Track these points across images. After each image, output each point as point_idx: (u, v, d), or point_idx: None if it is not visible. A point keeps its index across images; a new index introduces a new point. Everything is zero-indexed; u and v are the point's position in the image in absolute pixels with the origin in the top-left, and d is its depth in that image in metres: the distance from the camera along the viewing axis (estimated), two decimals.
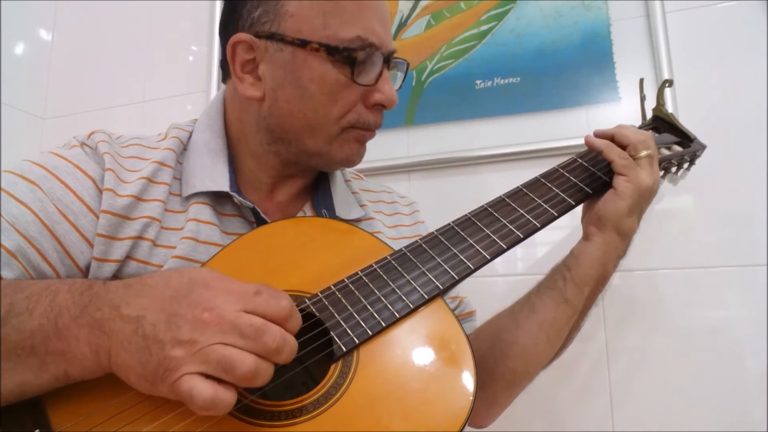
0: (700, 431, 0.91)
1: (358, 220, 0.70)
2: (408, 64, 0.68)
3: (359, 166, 0.69)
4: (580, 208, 0.67)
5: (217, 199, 0.63)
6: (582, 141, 0.99)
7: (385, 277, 0.54)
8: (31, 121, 1.47)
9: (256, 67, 0.62)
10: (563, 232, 1.00)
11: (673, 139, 0.76)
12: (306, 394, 0.47)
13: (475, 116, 1.13)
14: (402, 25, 1.22)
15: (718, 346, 0.93)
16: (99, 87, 1.47)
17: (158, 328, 0.40)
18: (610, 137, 0.66)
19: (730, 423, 0.90)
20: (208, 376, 0.39)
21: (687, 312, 0.96)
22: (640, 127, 0.76)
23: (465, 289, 0.75)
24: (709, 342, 0.93)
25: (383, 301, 0.52)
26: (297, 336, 0.44)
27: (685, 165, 0.77)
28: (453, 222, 0.60)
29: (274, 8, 0.60)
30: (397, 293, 0.53)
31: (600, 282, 0.65)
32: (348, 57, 0.59)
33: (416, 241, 0.58)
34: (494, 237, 0.58)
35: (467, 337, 0.51)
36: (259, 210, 0.62)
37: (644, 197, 0.62)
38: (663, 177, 0.76)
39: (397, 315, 0.51)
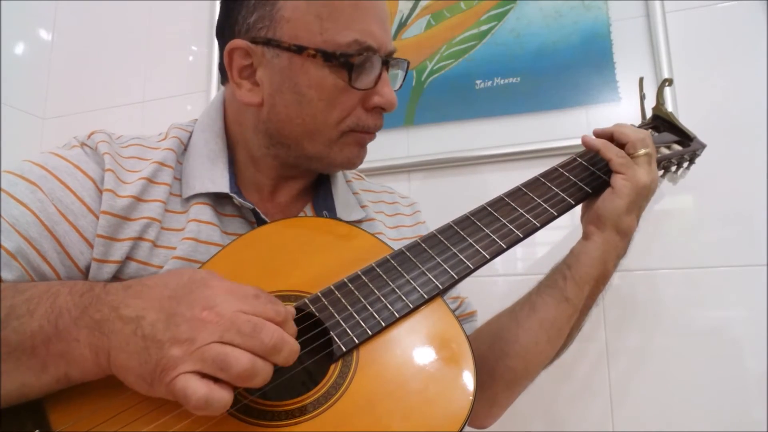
0: (700, 431, 0.91)
1: (359, 221, 0.70)
2: (408, 63, 0.68)
3: (359, 167, 0.69)
4: (579, 208, 0.67)
5: (217, 199, 0.63)
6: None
7: (385, 277, 0.54)
8: (31, 121, 1.47)
9: (253, 73, 0.62)
10: (563, 232, 1.00)
11: (672, 138, 0.76)
12: (306, 394, 0.47)
13: (475, 116, 1.13)
14: (402, 25, 1.22)
15: (718, 346, 0.93)
16: (99, 87, 1.47)
17: (157, 328, 0.40)
18: (609, 136, 0.67)
19: (730, 423, 0.90)
20: (205, 376, 0.39)
21: (687, 312, 0.96)
22: (639, 127, 0.76)
23: (465, 289, 0.75)
24: (709, 342, 0.93)
25: (383, 301, 0.52)
26: (297, 336, 0.44)
27: (685, 164, 0.77)
28: (453, 221, 0.60)
29: (269, 13, 0.59)
30: (397, 293, 0.53)
31: (600, 281, 0.65)
32: (345, 62, 0.58)
33: (416, 241, 0.58)
34: (494, 237, 0.58)
35: (467, 336, 0.51)
36: (259, 211, 0.62)
37: (642, 195, 0.63)
38: (663, 176, 0.76)
39: (396, 315, 0.51)
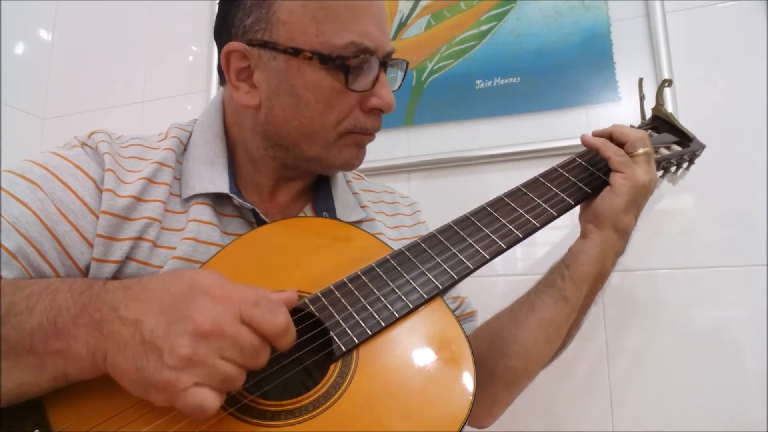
0: (700, 431, 0.91)
1: (359, 222, 0.70)
2: (407, 64, 0.68)
3: (359, 167, 0.69)
4: (578, 207, 0.67)
5: (217, 199, 0.63)
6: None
7: (385, 277, 0.54)
8: (31, 121, 1.47)
9: (251, 75, 0.61)
10: (563, 232, 1.00)
11: (672, 139, 0.76)
12: (305, 394, 0.47)
13: (475, 116, 1.13)
14: (402, 25, 1.22)
15: (718, 346, 0.93)
16: (99, 87, 1.47)
17: (156, 334, 0.40)
18: (609, 135, 0.67)
19: (730, 423, 0.90)
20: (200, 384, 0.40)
21: (687, 312, 0.96)
22: (639, 127, 0.76)
23: (465, 289, 0.75)
24: (709, 342, 0.93)
25: (383, 301, 0.52)
26: (296, 336, 0.45)
27: (685, 164, 0.77)
28: (452, 222, 0.60)
29: (265, 16, 0.59)
30: (397, 293, 0.53)
31: (599, 280, 0.65)
32: (341, 64, 0.58)
33: (416, 241, 0.58)
34: (494, 237, 0.58)
35: (467, 336, 0.51)
36: (258, 211, 0.62)
37: (641, 194, 0.63)
38: (662, 177, 0.76)
39: (396, 315, 0.51)
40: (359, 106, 0.62)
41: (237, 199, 0.61)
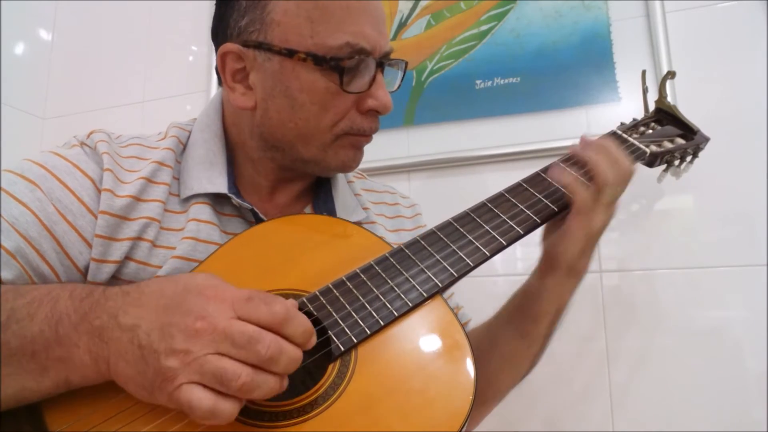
0: (700, 431, 0.91)
1: (359, 223, 0.70)
2: (406, 64, 0.67)
3: (359, 166, 0.69)
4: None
5: (216, 199, 0.63)
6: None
7: (384, 275, 0.54)
8: (31, 121, 1.47)
9: (246, 76, 0.61)
10: None
11: (676, 132, 0.75)
12: (304, 394, 0.46)
13: (475, 116, 1.13)
14: (402, 25, 1.22)
15: (718, 346, 0.93)
16: (99, 87, 1.47)
17: (152, 337, 0.40)
18: (584, 162, 0.61)
19: (730, 423, 0.90)
20: (205, 386, 0.39)
21: (687, 312, 0.96)
22: (642, 120, 0.75)
23: (465, 288, 0.75)
24: (709, 342, 0.93)
25: (382, 300, 0.52)
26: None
27: (688, 158, 0.76)
28: (452, 218, 0.59)
29: (260, 17, 0.58)
30: (396, 291, 0.53)
31: (557, 314, 0.65)
32: (336, 66, 0.57)
33: (415, 239, 0.58)
34: (494, 233, 0.57)
35: (467, 335, 0.51)
36: (257, 211, 0.62)
37: (595, 238, 0.61)
38: (666, 170, 0.75)
39: (395, 313, 0.51)
40: (356, 108, 0.61)
41: (236, 200, 0.61)
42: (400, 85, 0.67)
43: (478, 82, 1.14)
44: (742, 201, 0.95)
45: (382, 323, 0.50)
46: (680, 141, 0.74)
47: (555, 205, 0.60)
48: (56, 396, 0.44)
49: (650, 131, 0.74)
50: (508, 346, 0.66)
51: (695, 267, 0.96)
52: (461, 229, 0.58)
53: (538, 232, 0.61)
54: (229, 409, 0.39)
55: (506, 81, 1.12)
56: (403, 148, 1.17)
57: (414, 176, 1.17)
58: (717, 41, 1.00)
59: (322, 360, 0.49)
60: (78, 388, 0.44)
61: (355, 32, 0.58)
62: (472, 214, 0.59)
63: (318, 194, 0.70)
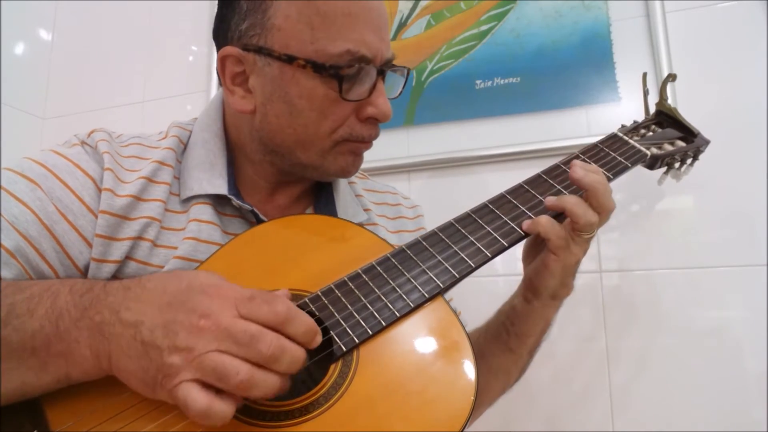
0: (700, 431, 0.91)
1: (361, 225, 0.70)
2: (409, 71, 0.66)
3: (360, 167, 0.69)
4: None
5: (217, 199, 0.62)
6: (582, 141, 1.00)
7: (386, 276, 0.54)
8: (31, 121, 1.47)
9: (246, 80, 0.61)
10: None
11: (676, 134, 0.75)
12: (306, 394, 0.46)
13: (475, 116, 1.13)
14: (402, 25, 1.22)
15: (718, 346, 0.93)
16: (99, 87, 1.47)
17: (156, 334, 0.40)
18: (561, 209, 0.58)
19: (730, 423, 0.90)
20: (206, 385, 0.39)
21: (687, 312, 0.96)
22: (642, 122, 0.75)
23: (465, 288, 0.75)
24: (709, 342, 0.93)
25: (383, 300, 0.52)
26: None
27: (689, 160, 0.76)
28: (453, 219, 0.59)
29: (261, 21, 0.58)
30: (398, 292, 0.53)
31: (544, 330, 0.67)
32: (335, 74, 0.57)
33: (417, 239, 0.58)
34: (495, 235, 0.58)
35: (468, 336, 0.51)
36: (258, 212, 0.62)
37: (573, 269, 0.61)
38: (666, 173, 0.76)
39: (397, 314, 0.51)
40: (355, 115, 0.61)
41: (236, 201, 0.61)
42: (401, 92, 0.66)
43: (478, 82, 1.14)
44: (742, 201, 0.95)
45: (383, 324, 0.50)
46: (681, 144, 0.74)
47: None
48: (59, 394, 0.44)
49: (651, 134, 0.74)
50: (496, 359, 0.67)
51: (695, 267, 0.96)
52: (462, 231, 0.58)
53: None
54: (223, 410, 0.39)
55: (506, 81, 1.12)
56: (403, 148, 1.17)
57: (414, 176, 1.17)
58: (717, 41, 1.00)
59: (323, 360, 0.49)
60: (79, 385, 0.44)
61: (356, 39, 0.57)
62: (474, 215, 0.60)
63: (319, 196, 0.70)
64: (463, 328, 0.51)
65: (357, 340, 0.49)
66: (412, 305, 0.52)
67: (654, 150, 0.70)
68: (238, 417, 0.45)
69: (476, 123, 1.13)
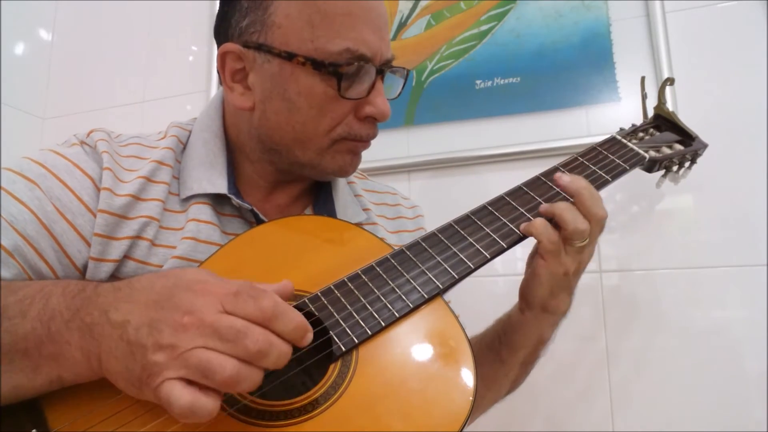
0: (700, 431, 0.91)
1: (360, 225, 0.70)
2: (408, 72, 0.66)
3: (360, 166, 0.69)
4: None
5: (216, 199, 0.63)
6: (582, 141, 1.00)
7: (385, 277, 0.54)
8: (31, 121, 1.47)
9: (245, 77, 0.61)
10: None
11: (674, 138, 0.76)
12: (305, 394, 0.46)
13: (475, 116, 1.13)
14: (402, 25, 1.22)
15: (718, 346, 0.93)
16: (99, 87, 1.47)
17: (141, 333, 0.40)
18: (551, 215, 0.58)
19: (730, 423, 0.90)
20: (190, 382, 0.39)
21: (687, 312, 0.96)
22: (641, 126, 0.76)
23: (464, 289, 0.75)
24: (709, 342, 0.93)
25: (383, 301, 0.52)
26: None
27: (687, 164, 0.77)
28: (453, 221, 0.60)
29: (261, 18, 0.58)
30: (397, 293, 0.53)
31: (538, 345, 0.66)
32: (334, 71, 0.57)
33: (416, 240, 0.58)
34: (495, 236, 0.58)
35: (467, 336, 0.51)
36: (258, 212, 0.62)
37: (564, 281, 0.60)
38: (664, 176, 0.76)
39: (396, 315, 0.51)
40: (354, 113, 0.61)
41: (236, 200, 0.61)
42: (400, 93, 0.66)
43: (478, 82, 1.14)
44: (742, 201, 0.95)
45: (383, 324, 0.50)
46: (679, 147, 0.75)
47: None
48: (58, 394, 0.44)
49: (649, 137, 0.75)
50: (488, 368, 0.67)
51: (695, 267, 0.96)
52: (462, 232, 0.58)
53: None
54: (208, 405, 0.38)
55: (506, 81, 1.12)
56: (403, 148, 1.17)
57: (414, 176, 1.17)
58: (717, 41, 1.00)
59: (323, 360, 0.49)
60: (76, 386, 0.44)
61: (355, 38, 0.57)
62: (473, 217, 0.60)
63: (318, 195, 0.70)
64: (462, 328, 0.51)
65: (356, 341, 0.49)
66: (411, 306, 0.52)
67: (652, 153, 0.71)
68: (237, 416, 0.45)
69: (476, 123, 1.13)
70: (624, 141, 0.70)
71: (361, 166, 0.69)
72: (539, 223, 0.57)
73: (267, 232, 0.59)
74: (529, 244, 0.61)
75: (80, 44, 1.51)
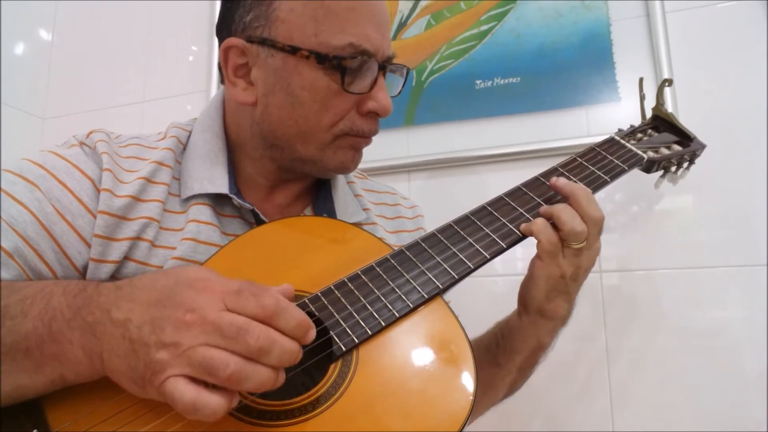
0: (700, 431, 0.91)
1: (359, 225, 0.70)
2: (408, 70, 0.67)
3: (360, 166, 0.69)
4: None
5: (216, 199, 0.63)
6: (582, 141, 1.00)
7: (385, 277, 0.54)
8: (31, 121, 1.47)
9: (248, 72, 0.61)
10: None
11: (672, 139, 0.76)
12: (305, 394, 0.47)
13: (475, 116, 1.13)
14: (402, 25, 1.22)
15: (718, 346, 0.93)
16: (99, 87, 1.47)
17: (143, 331, 0.40)
18: (549, 216, 0.59)
19: (730, 423, 0.90)
20: (195, 380, 0.39)
21: (687, 312, 0.96)
22: (639, 127, 0.76)
23: (464, 289, 0.75)
24: (709, 342, 0.93)
25: (383, 301, 0.52)
26: None
27: (685, 164, 0.77)
28: (452, 221, 0.60)
29: (265, 13, 0.59)
30: (397, 293, 0.53)
31: (536, 351, 0.66)
32: (338, 65, 0.57)
33: (416, 241, 0.58)
34: (494, 236, 0.58)
35: (467, 336, 0.51)
36: (258, 212, 0.62)
37: (561, 284, 0.60)
38: (663, 176, 0.76)
39: (396, 315, 0.51)
40: (356, 109, 0.61)
41: (236, 200, 0.61)
42: (401, 91, 0.67)
43: (478, 82, 1.14)
44: (741, 201, 0.95)
45: (383, 324, 0.50)
46: (677, 147, 0.75)
47: None
48: (58, 394, 0.44)
49: (647, 137, 0.75)
50: (485, 371, 0.67)
51: (695, 267, 0.96)
52: (461, 232, 0.58)
53: None
54: (213, 402, 0.38)
55: (506, 81, 1.12)
56: (403, 148, 1.17)
57: (414, 176, 1.17)
58: (717, 41, 1.00)
59: (323, 360, 0.49)
60: (79, 385, 0.44)
61: (358, 33, 0.58)
62: (472, 217, 0.60)
63: (318, 195, 0.70)
64: (462, 328, 0.52)
65: (356, 341, 0.49)
66: (411, 306, 0.52)
67: (651, 153, 0.72)
68: (238, 416, 0.45)
69: (476, 123, 1.13)
70: (622, 142, 0.70)
71: (361, 166, 0.69)
72: (540, 222, 0.58)
73: (267, 233, 0.59)
74: (529, 244, 0.61)
75: (80, 44, 1.51)
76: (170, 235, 0.59)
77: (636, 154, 0.69)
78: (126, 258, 0.56)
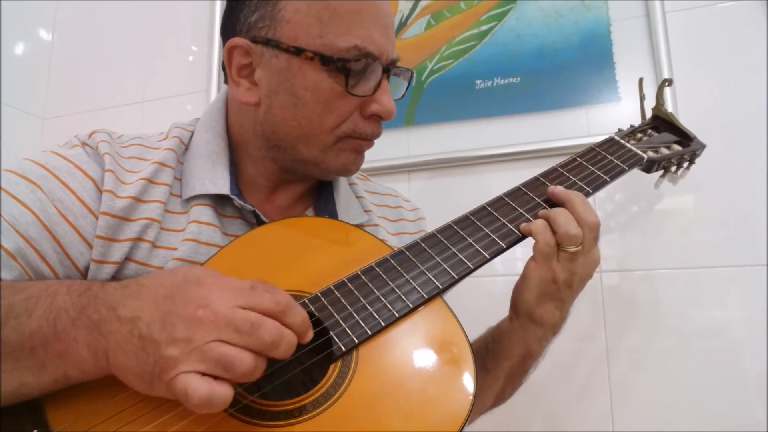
0: (700, 431, 0.91)
1: (361, 226, 0.70)
2: (413, 73, 0.67)
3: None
4: None
5: (218, 200, 0.63)
6: (582, 141, 1.00)
7: (385, 277, 0.54)
8: (31, 121, 1.47)
9: (252, 72, 0.61)
10: None
11: (672, 139, 0.76)
12: (305, 394, 0.47)
13: (475, 116, 1.13)
14: (402, 25, 1.22)
15: (718, 346, 0.93)
16: (99, 87, 1.47)
17: (153, 327, 0.40)
18: (546, 217, 0.59)
19: (730, 423, 0.90)
20: (203, 374, 0.39)
21: (687, 312, 0.96)
22: (639, 127, 0.76)
23: (465, 289, 0.75)
24: (709, 342, 0.93)
25: (383, 301, 0.52)
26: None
27: (685, 164, 0.77)
28: (452, 221, 0.60)
29: (270, 13, 0.59)
30: (397, 293, 0.53)
31: (525, 359, 0.65)
32: (342, 67, 0.57)
33: (415, 241, 0.58)
34: (494, 236, 0.58)
35: (467, 336, 0.51)
36: (259, 213, 0.62)
37: (553, 289, 0.59)
38: (663, 176, 0.76)
39: (396, 315, 0.51)
40: (359, 111, 0.61)
41: (238, 201, 0.61)
42: (404, 94, 0.67)
43: (478, 82, 1.14)
44: (742, 201, 0.95)
45: (383, 324, 0.50)
46: (677, 147, 0.75)
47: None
48: (59, 394, 0.44)
49: (647, 138, 0.75)
50: None
51: (695, 267, 0.96)
52: (461, 232, 0.58)
53: None
54: (225, 394, 0.39)
55: (506, 81, 1.12)
56: (403, 148, 1.17)
57: (414, 176, 1.17)
58: (717, 41, 1.00)
59: (323, 360, 0.49)
60: (79, 384, 0.44)
61: (363, 36, 0.58)
62: (472, 217, 0.60)
63: (319, 197, 0.70)
64: (462, 328, 0.52)
65: (356, 341, 0.49)
66: (411, 306, 0.52)
67: (650, 153, 0.72)
68: (237, 416, 0.45)
69: (476, 123, 1.13)
70: (622, 142, 0.70)
71: (362, 166, 0.69)
72: (540, 223, 0.58)
73: (267, 233, 0.60)
74: (528, 244, 0.61)
75: (80, 44, 1.51)
76: (171, 235, 0.59)
77: (636, 154, 0.69)
78: (127, 259, 0.56)
